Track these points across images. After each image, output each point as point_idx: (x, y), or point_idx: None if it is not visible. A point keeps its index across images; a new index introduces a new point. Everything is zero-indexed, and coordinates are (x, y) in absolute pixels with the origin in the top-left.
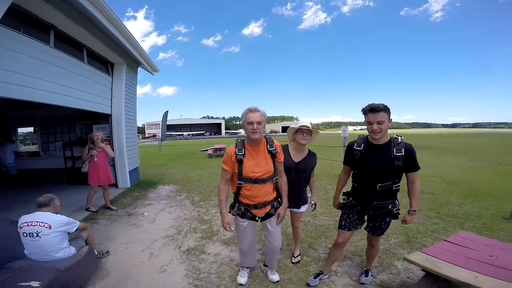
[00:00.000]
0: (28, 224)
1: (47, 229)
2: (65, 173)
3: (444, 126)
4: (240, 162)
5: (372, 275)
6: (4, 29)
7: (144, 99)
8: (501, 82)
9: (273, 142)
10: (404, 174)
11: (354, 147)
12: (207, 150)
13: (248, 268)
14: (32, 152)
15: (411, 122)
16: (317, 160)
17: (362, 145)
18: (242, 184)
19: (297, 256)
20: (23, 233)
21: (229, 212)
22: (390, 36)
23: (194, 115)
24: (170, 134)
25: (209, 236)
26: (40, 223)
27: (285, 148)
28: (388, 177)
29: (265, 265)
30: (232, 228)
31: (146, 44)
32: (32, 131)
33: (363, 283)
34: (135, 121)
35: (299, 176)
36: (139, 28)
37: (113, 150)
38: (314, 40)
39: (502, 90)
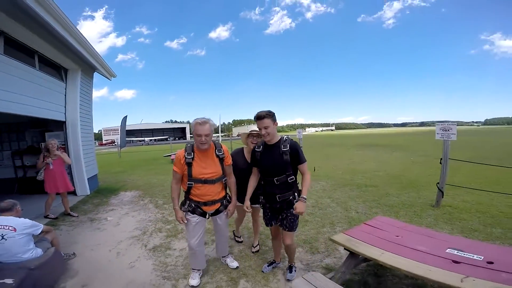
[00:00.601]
0: None
1: (12, 231)
2: (16, 183)
3: (395, 125)
4: (189, 165)
5: (295, 270)
6: None
7: (100, 103)
8: (445, 83)
9: (221, 147)
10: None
11: (255, 149)
12: (170, 155)
13: (199, 270)
14: None
15: (367, 122)
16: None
17: (262, 146)
18: (192, 184)
19: (256, 246)
20: None
21: (181, 209)
22: (348, 41)
23: (156, 120)
24: (130, 140)
25: (174, 234)
26: (5, 226)
27: (240, 151)
28: (281, 170)
29: (222, 257)
30: (185, 221)
31: (104, 45)
32: None
33: (288, 280)
34: (92, 127)
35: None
36: (96, 29)
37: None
38: (279, 45)
39: (445, 90)
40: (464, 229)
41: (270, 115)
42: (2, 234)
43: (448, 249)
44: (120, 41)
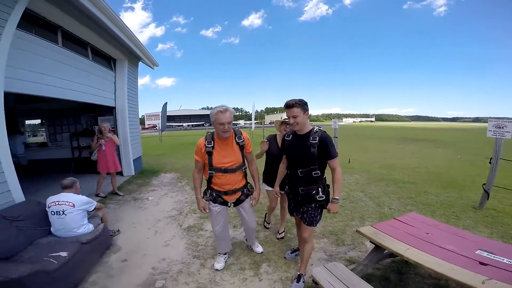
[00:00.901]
0: (55, 203)
1: (71, 207)
2: (72, 162)
3: (444, 119)
4: (209, 154)
5: (304, 281)
6: (19, 32)
7: (143, 90)
8: (503, 79)
9: (241, 135)
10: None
11: (285, 137)
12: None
13: (225, 254)
14: (41, 143)
15: (412, 115)
16: None
17: (291, 135)
18: (213, 174)
19: (282, 232)
20: (51, 211)
21: (203, 198)
22: (392, 29)
23: (194, 106)
24: (170, 125)
25: (207, 215)
26: (66, 202)
27: (273, 137)
28: (305, 163)
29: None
30: (207, 211)
31: (144, 36)
32: (40, 122)
33: None
34: (137, 112)
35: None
36: (137, 20)
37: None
38: (315, 32)
39: (504, 86)
40: (505, 235)
41: (300, 104)
42: (63, 210)
43: (478, 251)
44: (159, 31)
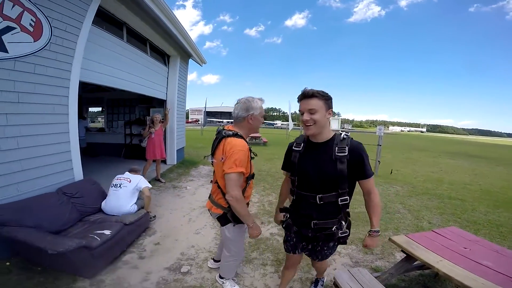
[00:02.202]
0: (118, 178)
1: (128, 182)
2: (124, 148)
3: (508, 135)
4: (251, 158)
5: (322, 284)
6: (93, 27)
7: (190, 86)
8: None
9: None
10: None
11: (293, 147)
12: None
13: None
14: (99, 128)
15: (470, 128)
16: None
17: (302, 144)
18: (249, 183)
19: None
20: (112, 184)
21: (236, 224)
22: (454, 34)
23: (233, 104)
24: (210, 120)
25: None
26: (125, 178)
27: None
28: (329, 185)
29: (216, 261)
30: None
31: (194, 33)
32: (100, 110)
33: None
34: (185, 106)
35: None
36: (188, 17)
37: (165, 131)
38: (364, 34)
39: None
40: None
41: (323, 96)
42: (120, 183)
43: None
44: (207, 29)
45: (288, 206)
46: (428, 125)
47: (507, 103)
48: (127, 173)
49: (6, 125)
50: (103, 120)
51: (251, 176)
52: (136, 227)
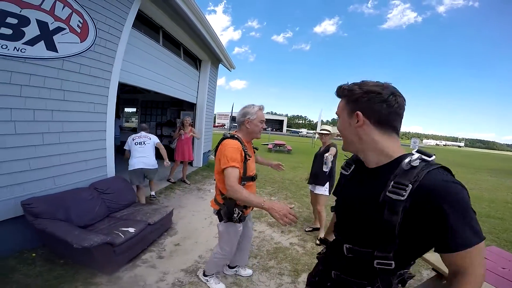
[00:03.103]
0: (138, 137)
1: (149, 139)
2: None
3: None
4: (246, 159)
5: None
6: (132, 30)
7: (218, 90)
8: None
9: None
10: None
11: (341, 169)
12: (268, 144)
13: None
14: (133, 128)
15: None
16: (336, 147)
17: (352, 167)
18: (245, 184)
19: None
20: (135, 143)
21: (227, 221)
22: (496, 41)
23: None
24: (235, 125)
25: (259, 217)
26: (145, 136)
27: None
28: (367, 236)
29: (231, 267)
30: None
31: (224, 39)
32: (135, 111)
33: None
34: (213, 111)
35: (319, 160)
36: (219, 23)
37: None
38: (399, 41)
39: None
40: None
41: (346, 93)
42: (144, 141)
43: None
44: (237, 35)
45: (329, 240)
46: (466, 139)
47: None
48: (142, 132)
49: (51, 121)
50: (137, 120)
51: (250, 178)
52: (160, 226)
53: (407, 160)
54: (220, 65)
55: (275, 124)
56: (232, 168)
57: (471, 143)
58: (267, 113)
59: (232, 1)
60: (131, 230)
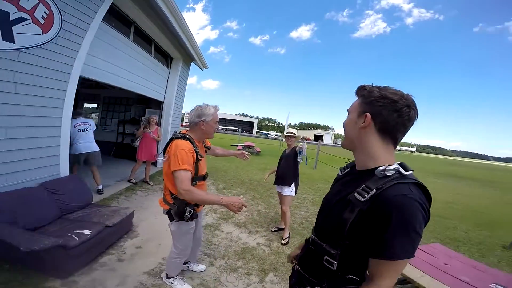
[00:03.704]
0: (80, 124)
1: (90, 125)
2: (114, 147)
3: (494, 159)
4: (198, 160)
5: None
6: (102, 24)
7: (188, 89)
8: None
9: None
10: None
11: (339, 171)
12: (237, 145)
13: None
14: None
15: (459, 150)
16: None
17: (348, 169)
18: (196, 183)
19: (286, 238)
20: (78, 130)
21: (179, 220)
22: (456, 53)
23: (230, 111)
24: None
25: (226, 218)
26: (86, 123)
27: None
28: (326, 231)
29: (187, 263)
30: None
31: (200, 37)
32: (96, 107)
33: None
34: (181, 110)
35: (285, 161)
36: (196, 21)
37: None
38: (368, 50)
39: None
40: None
41: (362, 92)
42: (87, 128)
43: (493, 284)
44: (214, 35)
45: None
46: (418, 145)
47: (497, 127)
48: (81, 118)
49: None
50: (97, 117)
51: (202, 178)
52: (119, 229)
53: (381, 168)
54: (192, 64)
55: (246, 126)
56: (184, 171)
57: (422, 148)
58: (238, 114)
59: (214, 1)
60: (87, 232)
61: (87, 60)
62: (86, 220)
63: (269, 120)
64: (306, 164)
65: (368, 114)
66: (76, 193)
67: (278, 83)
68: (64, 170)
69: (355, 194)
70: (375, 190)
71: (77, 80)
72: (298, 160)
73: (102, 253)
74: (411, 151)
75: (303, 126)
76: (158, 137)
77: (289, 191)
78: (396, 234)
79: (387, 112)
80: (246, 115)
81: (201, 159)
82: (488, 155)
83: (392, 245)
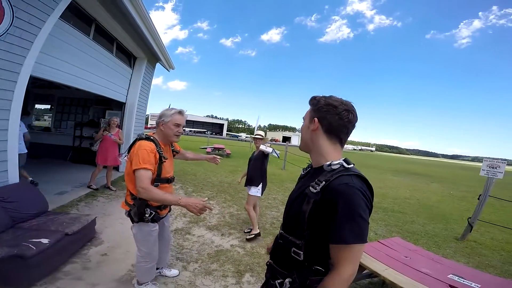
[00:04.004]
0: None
1: (20, 127)
2: (71, 151)
3: (443, 156)
4: (161, 161)
5: None
6: (59, 21)
7: (154, 90)
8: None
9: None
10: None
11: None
12: (206, 148)
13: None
14: (45, 127)
15: (413, 148)
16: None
17: (308, 169)
18: (158, 185)
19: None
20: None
21: (138, 221)
22: (410, 57)
23: (199, 113)
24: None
25: (196, 221)
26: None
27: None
28: (291, 224)
29: (159, 268)
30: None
31: (168, 37)
32: (49, 108)
33: None
34: (145, 111)
35: (254, 163)
36: (165, 20)
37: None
38: (332, 54)
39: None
40: (480, 264)
41: (315, 103)
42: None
43: (450, 275)
44: (182, 35)
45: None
46: (377, 145)
47: (448, 126)
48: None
49: None
50: (51, 119)
51: (165, 180)
52: (81, 236)
53: (328, 163)
54: (158, 64)
55: (216, 128)
56: (144, 170)
57: (380, 148)
58: (207, 116)
59: (185, 0)
60: (45, 241)
61: (40, 59)
62: (42, 228)
63: (239, 122)
64: (278, 157)
65: (316, 119)
66: (29, 200)
67: (249, 85)
68: (13, 176)
69: (310, 187)
70: (324, 182)
71: (27, 79)
72: (275, 155)
73: (65, 262)
74: (371, 150)
75: (272, 128)
76: (120, 139)
77: (255, 191)
78: (343, 219)
79: (330, 116)
80: (216, 117)
81: (165, 161)
82: (438, 152)
83: (342, 229)
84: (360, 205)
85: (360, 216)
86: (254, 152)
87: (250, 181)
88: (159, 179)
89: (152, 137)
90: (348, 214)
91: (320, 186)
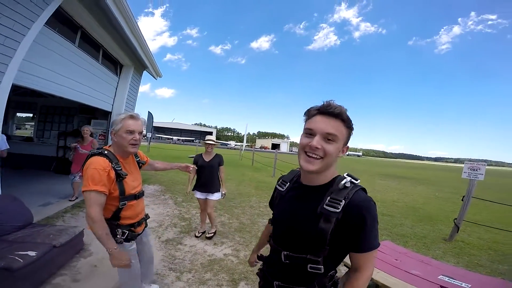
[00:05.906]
0: None
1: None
2: (54, 161)
3: (427, 159)
4: (120, 179)
5: None
6: (44, 27)
7: (141, 98)
8: (492, 121)
9: (137, 152)
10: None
11: (277, 186)
12: (194, 156)
13: None
14: (27, 137)
15: (398, 152)
16: (223, 159)
17: (288, 184)
18: (125, 204)
19: (201, 233)
20: None
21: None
22: (393, 64)
23: (187, 121)
24: (159, 136)
25: (188, 231)
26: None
27: (200, 155)
28: (302, 244)
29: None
30: (131, 261)
31: (156, 44)
32: (31, 117)
33: None
34: None
35: (210, 170)
36: (154, 26)
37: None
38: (320, 62)
39: (490, 129)
40: (469, 264)
41: (349, 123)
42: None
43: (440, 276)
44: (171, 41)
45: (265, 255)
46: (363, 150)
47: (431, 130)
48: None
49: None
50: (33, 128)
51: (133, 197)
52: (69, 248)
53: (342, 182)
54: (145, 72)
55: (204, 136)
56: (95, 193)
57: (367, 152)
58: (196, 124)
59: (175, 7)
60: (32, 253)
61: (23, 67)
62: (28, 241)
63: (228, 130)
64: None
65: (347, 146)
66: (12, 213)
67: (238, 93)
68: None
69: (326, 207)
70: (344, 200)
71: (9, 88)
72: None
73: (54, 274)
74: (358, 155)
75: (261, 135)
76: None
77: (218, 195)
78: (371, 230)
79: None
80: (204, 125)
81: (125, 177)
82: (422, 155)
83: (370, 239)
84: (377, 215)
85: (377, 222)
86: (201, 157)
87: (210, 188)
88: (124, 197)
89: (106, 152)
90: (372, 225)
91: (342, 205)
